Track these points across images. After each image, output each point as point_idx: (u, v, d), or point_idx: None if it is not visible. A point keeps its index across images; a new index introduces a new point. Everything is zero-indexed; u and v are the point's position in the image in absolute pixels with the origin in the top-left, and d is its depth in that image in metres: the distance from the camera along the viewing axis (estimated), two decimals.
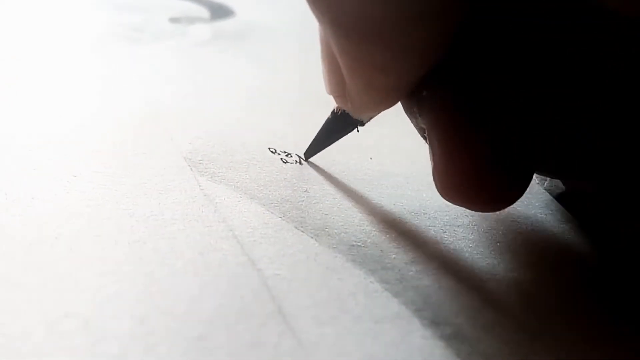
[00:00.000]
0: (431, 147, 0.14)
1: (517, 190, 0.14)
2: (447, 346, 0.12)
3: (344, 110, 0.16)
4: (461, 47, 0.13)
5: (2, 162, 0.16)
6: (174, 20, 0.31)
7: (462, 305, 0.14)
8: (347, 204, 0.17)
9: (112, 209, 0.15)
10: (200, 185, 0.16)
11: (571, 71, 0.13)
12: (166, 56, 0.26)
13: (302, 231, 0.15)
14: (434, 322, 0.13)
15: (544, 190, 0.19)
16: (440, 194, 0.15)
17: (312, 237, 0.15)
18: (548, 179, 0.20)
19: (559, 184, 0.20)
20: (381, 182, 0.18)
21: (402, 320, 0.13)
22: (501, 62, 0.13)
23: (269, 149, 0.19)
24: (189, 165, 0.17)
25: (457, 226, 0.17)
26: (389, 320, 0.13)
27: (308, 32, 0.32)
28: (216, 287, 0.13)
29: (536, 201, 0.19)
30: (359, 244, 0.15)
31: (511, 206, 0.18)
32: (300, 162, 0.19)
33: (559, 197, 0.19)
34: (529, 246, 0.16)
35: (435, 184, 0.15)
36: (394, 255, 0.15)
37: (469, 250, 0.16)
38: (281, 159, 0.19)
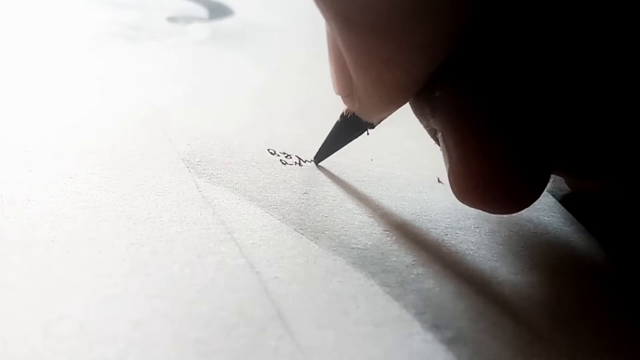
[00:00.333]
0: (446, 149, 0.14)
1: (536, 191, 0.14)
2: (448, 350, 0.12)
3: (354, 114, 0.16)
4: (474, 44, 0.13)
5: None
6: (172, 19, 0.31)
7: (463, 309, 0.14)
8: (347, 206, 0.17)
9: (108, 210, 0.15)
10: (198, 187, 0.16)
11: (589, 68, 0.13)
12: (164, 56, 0.26)
13: (302, 233, 0.15)
14: (435, 326, 0.13)
15: (546, 193, 0.19)
16: (457, 197, 0.14)
17: (311, 240, 0.15)
18: (551, 180, 0.20)
19: (562, 187, 0.20)
20: (382, 184, 0.18)
21: (403, 324, 0.13)
22: (517, 58, 0.13)
23: (268, 150, 0.19)
24: (187, 167, 0.17)
25: (459, 228, 0.17)
26: (390, 323, 0.13)
27: (308, 31, 0.32)
28: (214, 290, 0.13)
29: (539, 203, 0.19)
30: (360, 246, 0.15)
31: None
32: (299, 164, 0.19)
33: (563, 200, 0.19)
34: (531, 249, 0.16)
35: (451, 187, 0.14)
36: (394, 258, 0.15)
37: (471, 253, 0.16)
38: (280, 160, 0.19)
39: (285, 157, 0.19)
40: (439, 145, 0.15)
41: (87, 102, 0.21)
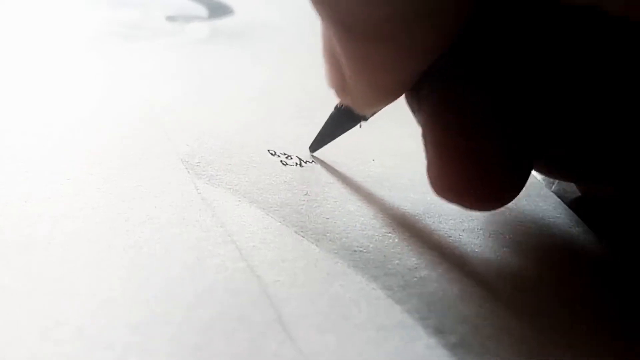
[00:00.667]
0: (424, 144, 0.14)
1: (514, 189, 0.14)
2: (452, 355, 0.12)
3: (347, 106, 0.17)
4: (461, 44, 0.13)
5: None
6: (171, 18, 0.31)
7: (468, 313, 0.14)
8: (349, 208, 0.17)
9: (106, 212, 0.15)
10: (197, 188, 0.16)
11: (573, 70, 0.13)
12: (163, 55, 0.26)
13: (303, 236, 0.15)
14: (439, 330, 0.13)
15: (552, 194, 0.19)
16: (435, 192, 0.15)
17: (312, 242, 0.15)
18: (556, 181, 0.20)
19: (567, 187, 0.20)
20: (384, 185, 0.18)
21: (405, 329, 0.13)
22: (502, 58, 0.13)
23: (269, 150, 0.19)
24: (186, 168, 0.17)
25: (462, 230, 0.17)
26: (392, 328, 0.13)
27: (308, 30, 0.31)
28: (214, 293, 0.13)
29: (544, 204, 0.19)
30: (361, 249, 0.15)
31: (519, 209, 0.18)
32: (300, 165, 0.19)
33: (570, 202, 0.19)
34: (536, 251, 0.16)
35: (430, 183, 0.15)
36: (397, 261, 0.15)
37: (475, 255, 0.16)
38: (281, 161, 0.19)
39: (286, 157, 0.19)
40: None
41: (85, 102, 0.21)
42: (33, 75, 0.22)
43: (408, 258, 0.15)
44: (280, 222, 0.16)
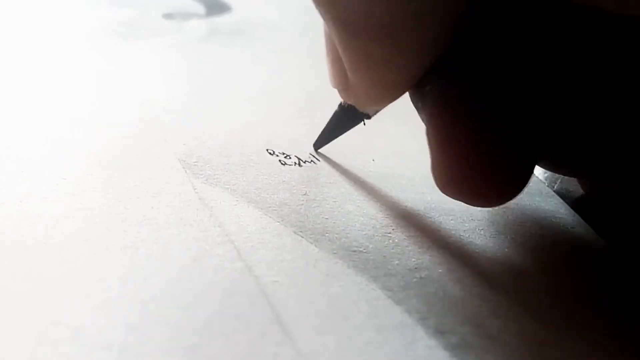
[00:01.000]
0: (428, 142, 0.15)
1: (518, 184, 0.14)
2: (452, 356, 0.12)
3: (351, 104, 0.17)
4: (463, 41, 0.13)
5: None
6: (168, 16, 0.31)
7: (468, 314, 0.14)
8: (348, 208, 0.17)
9: (103, 212, 0.15)
10: (195, 188, 0.16)
11: (575, 66, 0.13)
12: (160, 53, 0.26)
13: (302, 236, 0.15)
14: (439, 331, 0.13)
15: (553, 193, 0.19)
16: (439, 188, 0.15)
17: (311, 243, 0.15)
18: (559, 181, 0.20)
19: (569, 187, 0.20)
20: (384, 185, 0.18)
21: (405, 329, 0.13)
22: (504, 54, 0.14)
23: (267, 150, 0.19)
24: (184, 167, 0.17)
25: (464, 231, 0.17)
26: (392, 329, 0.13)
27: (308, 28, 0.32)
28: (212, 294, 0.13)
29: (546, 204, 0.19)
30: (361, 249, 0.15)
31: (520, 209, 0.18)
32: (299, 164, 0.19)
33: (571, 201, 0.19)
34: (538, 252, 0.16)
35: (434, 179, 0.15)
36: (397, 262, 0.15)
37: (476, 256, 0.16)
38: (280, 160, 0.19)
39: (285, 157, 0.19)
40: None
41: (82, 101, 0.21)
42: (30, 75, 0.22)
43: (408, 258, 0.15)
44: (278, 222, 0.16)
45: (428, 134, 0.15)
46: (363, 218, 0.17)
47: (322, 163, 0.19)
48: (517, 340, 0.13)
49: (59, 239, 0.14)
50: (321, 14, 0.14)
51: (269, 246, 0.15)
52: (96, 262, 0.13)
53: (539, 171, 0.20)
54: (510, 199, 0.15)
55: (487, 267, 0.15)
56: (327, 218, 0.16)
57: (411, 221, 0.17)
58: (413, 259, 0.15)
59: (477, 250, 0.16)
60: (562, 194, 0.19)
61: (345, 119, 0.18)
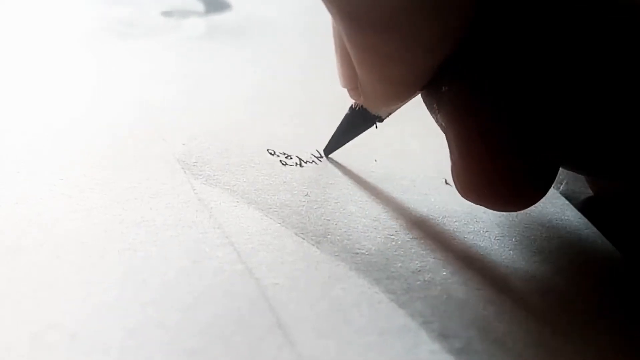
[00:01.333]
0: (449, 145, 0.15)
1: (542, 187, 0.15)
2: None
3: (362, 106, 0.17)
4: (480, 39, 0.13)
5: None
6: (167, 14, 0.31)
7: (472, 317, 0.14)
8: (350, 209, 0.17)
9: (100, 214, 0.15)
10: (194, 189, 0.16)
11: (594, 61, 0.13)
12: (159, 52, 0.26)
13: (303, 238, 0.15)
14: (443, 335, 0.13)
15: (559, 195, 0.19)
16: (460, 194, 0.15)
17: (313, 245, 0.15)
18: (564, 182, 0.20)
19: (575, 189, 0.20)
20: (386, 186, 0.18)
21: (408, 333, 0.13)
22: (521, 52, 0.13)
23: (268, 150, 0.19)
24: (183, 168, 0.17)
25: (467, 233, 0.17)
26: (395, 332, 0.13)
27: (309, 26, 0.32)
28: (211, 297, 0.13)
29: (551, 206, 0.19)
30: (363, 251, 0.15)
31: (525, 211, 0.18)
32: (300, 164, 0.19)
33: (577, 203, 0.19)
34: (543, 254, 0.16)
35: (455, 184, 0.15)
36: (400, 264, 0.15)
37: (480, 258, 0.16)
38: (280, 161, 0.19)
39: (286, 157, 0.19)
40: None
41: (79, 100, 0.21)
42: (26, 74, 0.22)
43: (411, 261, 0.15)
44: (279, 223, 0.16)
45: (448, 139, 0.15)
46: (365, 220, 0.17)
47: (323, 163, 0.19)
48: (522, 344, 0.13)
49: (56, 241, 0.14)
50: (327, 6, 0.14)
51: (270, 248, 0.15)
52: (94, 265, 0.13)
53: None
54: (533, 203, 0.15)
55: (492, 270, 0.15)
56: (328, 219, 0.16)
57: (414, 223, 0.17)
58: (416, 262, 0.15)
59: (482, 253, 0.16)
60: (568, 196, 0.19)
61: (356, 122, 0.18)
